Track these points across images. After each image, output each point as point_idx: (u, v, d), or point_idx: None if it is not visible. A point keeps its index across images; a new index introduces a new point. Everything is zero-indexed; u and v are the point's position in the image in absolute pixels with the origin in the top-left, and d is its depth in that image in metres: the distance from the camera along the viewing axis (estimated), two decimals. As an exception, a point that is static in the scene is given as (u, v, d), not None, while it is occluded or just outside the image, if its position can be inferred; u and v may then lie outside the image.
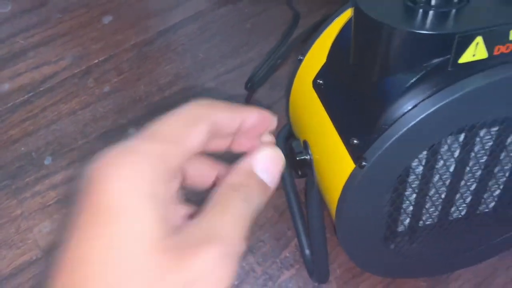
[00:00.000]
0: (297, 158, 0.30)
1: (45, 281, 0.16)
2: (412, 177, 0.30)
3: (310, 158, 0.30)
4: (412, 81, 0.25)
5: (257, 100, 0.52)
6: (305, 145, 0.31)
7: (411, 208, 0.33)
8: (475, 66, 0.25)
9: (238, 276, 0.40)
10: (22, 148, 0.50)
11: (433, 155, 0.29)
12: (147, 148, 0.18)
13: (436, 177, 0.31)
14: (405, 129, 0.25)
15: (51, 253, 0.44)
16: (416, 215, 0.34)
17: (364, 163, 0.26)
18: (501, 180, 0.33)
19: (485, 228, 0.36)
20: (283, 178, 0.41)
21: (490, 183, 0.33)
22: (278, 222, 0.43)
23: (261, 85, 0.52)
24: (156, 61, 0.58)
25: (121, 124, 0.51)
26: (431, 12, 0.25)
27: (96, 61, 0.59)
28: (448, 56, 0.25)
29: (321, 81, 0.32)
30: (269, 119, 0.23)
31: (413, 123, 0.25)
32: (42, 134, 0.51)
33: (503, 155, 0.31)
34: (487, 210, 0.36)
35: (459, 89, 0.25)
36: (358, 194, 0.28)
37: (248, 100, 0.50)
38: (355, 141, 0.28)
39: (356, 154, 0.28)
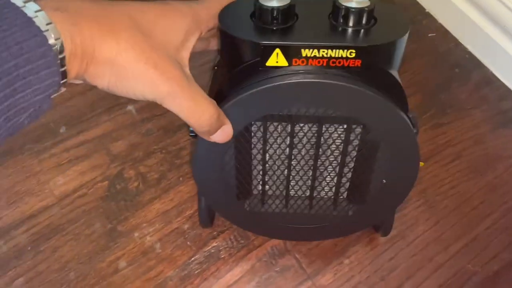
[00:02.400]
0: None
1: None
2: (254, 140, 0.36)
3: None
4: (234, 71, 0.33)
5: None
6: None
7: (259, 176, 0.39)
8: (277, 70, 0.32)
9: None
10: (42, 120, 0.58)
11: (259, 130, 0.36)
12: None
13: (271, 151, 0.38)
14: (227, 105, 0.33)
15: (63, 200, 0.54)
16: (264, 182, 0.40)
17: None
18: (331, 171, 0.39)
19: (324, 211, 0.42)
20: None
21: (323, 172, 0.39)
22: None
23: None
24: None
25: (122, 102, 0.59)
26: (261, 27, 0.32)
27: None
28: (258, 59, 0.32)
29: (216, 68, 0.40)
30: None
31: (232, 101, 0.33)
32: (58, 109, 0.59)
33: (325, 149, 0.37)
34: (326, 196, 0.42)
35: (259, 84, 0.32)
36: (205, 143, 0.34)
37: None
38: None
39: None
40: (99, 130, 0.58)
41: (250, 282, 0.48)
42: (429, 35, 0.67)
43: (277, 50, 0.31)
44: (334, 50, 0.32)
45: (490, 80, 0.63)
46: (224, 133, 0.32)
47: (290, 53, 0.32)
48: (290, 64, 0.32)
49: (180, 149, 0.56)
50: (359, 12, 0.32)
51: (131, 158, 0.56)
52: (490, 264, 0.49)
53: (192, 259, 0.49)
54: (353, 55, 0.32)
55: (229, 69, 0.35)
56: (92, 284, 0.48)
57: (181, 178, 0.54)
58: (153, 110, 0.60)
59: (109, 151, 0.56)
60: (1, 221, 0.51)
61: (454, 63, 0.65)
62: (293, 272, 0.48)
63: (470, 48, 0.65)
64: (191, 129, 0.42)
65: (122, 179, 0.54)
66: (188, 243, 0.50)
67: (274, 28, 0.32)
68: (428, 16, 0.69)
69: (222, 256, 0.49)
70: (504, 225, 0.52)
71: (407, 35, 0.33)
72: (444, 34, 0.67)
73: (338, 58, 0.32)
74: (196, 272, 0.48)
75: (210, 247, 0.50)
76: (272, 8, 0.32)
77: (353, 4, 0.32)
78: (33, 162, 0.55)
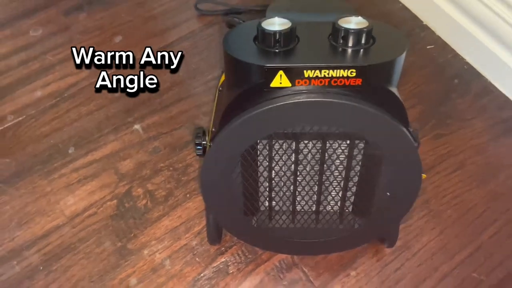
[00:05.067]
0: (196, 141, 0.41)
1: None
2: (260, 158, 0.38)
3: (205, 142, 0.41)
4: (239, 92, 0.34)
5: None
6: (204, 132, 0.42)
7: (266, 192, 0.41)
8: (281, 91, 0.33)
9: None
10: (51, 141, 0.60)
11: (265, 148, 0.37)
12: None
13: (277, 168, 0.39)
14: (233, 125, 0.34)
15: (73, 219, 0.55)
16: (271, 198, 0.41)
17: (211, 142, 0.36)
18: (336, 186, 0.40)
19: (330, 225, 0.43)
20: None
21: (329, 187, 0.40)
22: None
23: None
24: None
25: (128, 121, 0.61)
26: (265, 50, 0.33)
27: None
28: (263, 81, 0.33)
29: (220, 88, 0.41)
30: None
31: (239, 121, 0.34)
32: (66, 130, 0.61)
33: (329, 165, 0.38)
34: (332, 210, 0.43)
35: (264, 104, 0.33)
36: (212, 161, 0.36)
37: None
38: (213, 129, 0.38)
39: (212, 137, 0.37)
40: (107, 149, 0.59)
41: (259, 297, 0.48)
42: (428, 47, 0.69)
43: (281, 72, 0.33)
44: (335, 70, 0.33)
45: (489, 90, 0.64)
46: None
47: (293, 75, 0.33)
48: (293, 84, 0.34)
49: (186, 166, 0.58)
50: (358, 33, 0.33)
51: (139, 177, 0.57)
52: (495, 272, 0.50)
53: (201, 275, 0.50)
54: (354, 74, 0.33)
55: (235, 90, 0.36)
56: (103, 302, 0.49)
57: (188, 195, 0.55)
58: (159, 129, 0.61)
59: (117, 170, 0.58)
60: (13, 242, 0.52)
61: (453, 74, 0.66)
62: (301, 286, 0.49)
63: (468, 59, 0.66)
64: (198, 147, 0.43)
65: (131, 197, 0.55)
66: (197, 259, 0.51)
67: (277, 51, 0.34)
68: (426, 28, 0.71)
69: (231, 271, 0.50)
70: (508, 232, 0.53)
71: (405, 53, 0.34)
72: (443, 46, 0.69)
73: (339, 77, 0.33)
74: (205, 287, 0.49)
75: (219, 262, 0.51)
76: (275, 32, 0.33)
77: (352, 26, 0.34)
78: (43, 182, 0.57)
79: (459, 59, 0.67)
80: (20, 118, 0.62)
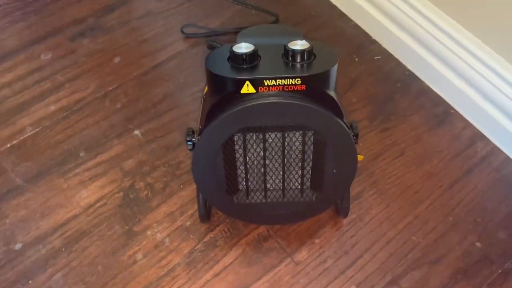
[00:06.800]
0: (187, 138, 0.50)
1: None
2: (236, 147, 0.48)
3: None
4: (218, 98, 0.45)
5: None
6: (193, 131, 0.51)
7: (243, 174, 0.51)
8: (248, 95, 0.44)
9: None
10: (65, 147, 0.69)
11: (240, 139, 0.47)
12: None
13: (249, 155, 0.50)
14: (215, 122, 0.45)
15: (88, 209, 0.65)
16: (247, 180, 0.52)
17: (199, 137, 0.48)
18: (295, 167, 0.51)
19: (294, 199, 0.54)
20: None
21: (290, 168, 0.51)
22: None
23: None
24: (151, 86, 0.75)
25: (129, 128, 0.71)
26: (235, 66, 0.44)
27: (110, 88, 0.75)
28: (235, 89, 0.44)
29: (204, 96, 0.52)
30: None
31: (219, 119, 0.45)
32: (78, 137, 0.70)
33: (289, 150, 0.49)
34: (294, 186, 0.54)
35: (236, 106, 0.44)
36: (200, 151, 0.47)
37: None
38: (200, 127, 0.49)
39: (199, 132, 0.48)
40: (113, 152, 0.70)
41: (242, 262, 0.60)
42: (376, 57, 0.82)
43: (247, 82, 0.45)
44: (286, 79, 0.46)
45: (426, 91, 0.78)
46: None
47: (256, 84, 0.46)
48: (257, 90, 0.46)
49: (179, 162, 0.69)
50: (302, 52, 0.46)
51: (140, 173, 0.68)
52: (429, 235, 0.62)
53: (195, 248, 0.61)
54: (299, 82, 0.46)
55: (214, 96, 0.48)
56: (116, 273, 0.60)
57: (181, 186, 0.67)
58: (155, 133, 0.72)
59: (122, 168, 0.69)
60: (38, 230, 0.62)
61: (397, 79, 0.79)
62: (276, 252, 0.61)
63: (409, 66, 0.80)
64: (189, 143, 0.55)
65: (134, 189, 0.67)
66: (190, 236, 0.62)
67: (244, 67, 0.46)
68: (374, 42, 0.84)
69: (219, 245, 0.61)
70: (440, 204, 0.65)
71: (337, 65, 0.47)
72: (388, 56, 0.82)
73: (289, 84, 0.46)
74: (198, 257, 0.61)
75: (209, 238, 0.62)
76: (242, 53, 0.46)
77: (297, 47, 0.47)
78: (61, 181, 0.66)
79: (401, 67, 0.80)
80: (37, 129, 0.71)
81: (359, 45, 0.83)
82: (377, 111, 0.74)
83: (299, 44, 0.47)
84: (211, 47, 0.77)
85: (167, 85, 0.76)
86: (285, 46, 0.47)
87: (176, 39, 0.82)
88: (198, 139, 0.49)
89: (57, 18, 0.85)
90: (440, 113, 0.74)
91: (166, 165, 0.69)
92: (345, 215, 0.61)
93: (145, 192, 0.66)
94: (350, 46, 0.82)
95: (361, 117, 0.74)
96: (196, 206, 0.63)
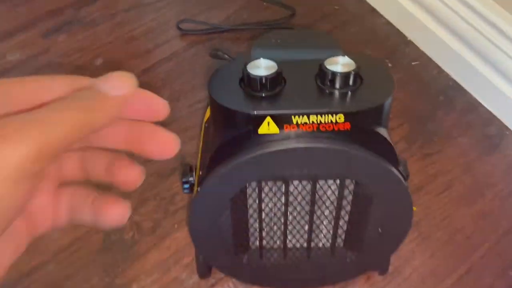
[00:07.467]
0: (183, 180, 0.40)
1: None
2: (250, 201, 0.38)
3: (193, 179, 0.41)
4: (227, 138, 0.33)
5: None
6: (191, 169, 0.41)
7: (256, 233, 0.40)
8: (269, 137, 0.32)
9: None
10: None
11: (254, 191, 0.37)
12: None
13: (267, 210, 0.39)
14: (221, 171, 0.34)
15: (58, 255, 0.54)
16: (261, 238, 0.41)
17: (199, 188, 0.36)
18: (327, 225, 0.40)
19: (322, 260, 0.43)
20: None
21: (319, 225, 0.40)
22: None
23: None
24: (140, 95, 0.67)
25: None
26: (251, 94, 0.32)
27: (91, 97, 0.68)
28: (251, 127, 0.32)
29: (207, 125, 0.41)
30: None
31: (228, 166, 0.33)
32: None
33: (320, 205, 0.38)
34: (323, 245, 0.43)
35: (253, 151, 0.33)
36: (201, 206, 0.36)
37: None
38: (200, 173, 0.38)
39: (200, 181, 0.37)
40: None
41: (251, 330, 0.48)
42: (413, 63, 0.69)
43: (268, 119, 0.32)
44: (323, 116, 0.32)
45: (475, 106, 0.65)
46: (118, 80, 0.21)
47: (281, 121, 0.32)
48: (281, 129, 0.33)
49: (173, 194, 0.57)
50: (345, 76, 0.33)
51: (125, 207, 0.56)
52: (485, 294, 0.50)
53: (192, 308, 0.49)
54: (342, 119, 0.32)
55: (221, 132, 0.35)
56: None
57: (176, 225, 0.54)
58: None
59: (102, 201, 0.56)
60: (-4, 281, 0.51)
61: (439, 91, 0.66)
62: (294, 316, 0.49)
63: (453, 75, 0.67)
64: (185, 185, 0.42)
65: (117, 230, 0.54)
66: (187, 292, 0.50)
67: (263, 95, 0.33)
68: (410, 44, 0.71)
69: (222, 304, 0.49)
70: (497, 252, 0.53)
71: (392, 96, 0.34)
72: (427, 61, 0.69)
73: (327, 123, 0.33)
74: (197, 322, 0.49)
75: (210, 294, 0.50)
76: (261, 77, 0.32)
77: (339, 68, 0.33)
78: None
79: (444, 75, 0.68)
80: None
81: (392, 47, 0.70)
82: (416, 132, 0.62)
83: (340, 64, 0.33)
84: (216, 57, 0.64)
85: (161, 93, 0.64)
86: (320, 65, 0.33)
87: (171, 36, 0.72)
88: (197, 190, 0.36)
89: (27, 10, 0.74)
90: (493, 134, 0.62)
91: (158, 197, 0.56)
92: (383, 273, 0.49)
93: (131, 233, 0.54)
94: (381, 48, 0.70)
95: (397, 138, 0.61)
96: (194, 252, 0.51)
